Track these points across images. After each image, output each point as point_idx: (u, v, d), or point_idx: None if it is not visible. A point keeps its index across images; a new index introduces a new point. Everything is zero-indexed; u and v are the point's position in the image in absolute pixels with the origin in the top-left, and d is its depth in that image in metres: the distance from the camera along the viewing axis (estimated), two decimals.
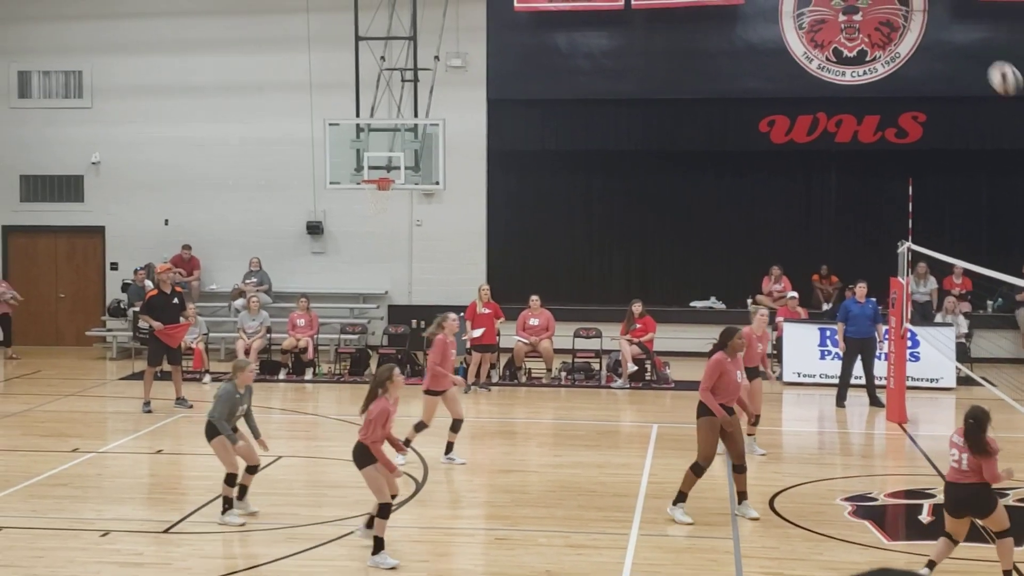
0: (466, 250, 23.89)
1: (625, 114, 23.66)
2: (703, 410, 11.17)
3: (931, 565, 9.18)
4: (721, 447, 11.62)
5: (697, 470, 11.15)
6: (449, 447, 13.75)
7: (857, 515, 11.38)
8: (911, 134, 22.62)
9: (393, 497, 9.89)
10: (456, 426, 13.65)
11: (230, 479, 11.02)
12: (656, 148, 23.69)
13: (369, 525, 10.09)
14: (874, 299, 17.70)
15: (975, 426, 8.75)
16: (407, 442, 13.16)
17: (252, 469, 11.38)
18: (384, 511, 9.74)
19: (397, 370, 10.28)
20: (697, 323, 21.74)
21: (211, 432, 11.19)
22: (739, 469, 11.29)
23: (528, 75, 23.48)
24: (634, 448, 14.71)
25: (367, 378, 20.15)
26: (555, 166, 23.99)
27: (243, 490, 11.29)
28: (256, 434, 11.44)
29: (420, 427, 13.53)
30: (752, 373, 13.71)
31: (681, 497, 11.19)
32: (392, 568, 9.52)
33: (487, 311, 19.51)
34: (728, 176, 23.87)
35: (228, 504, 11.03)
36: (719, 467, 13.17)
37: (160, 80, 24.41)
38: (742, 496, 11.35)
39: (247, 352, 20.16)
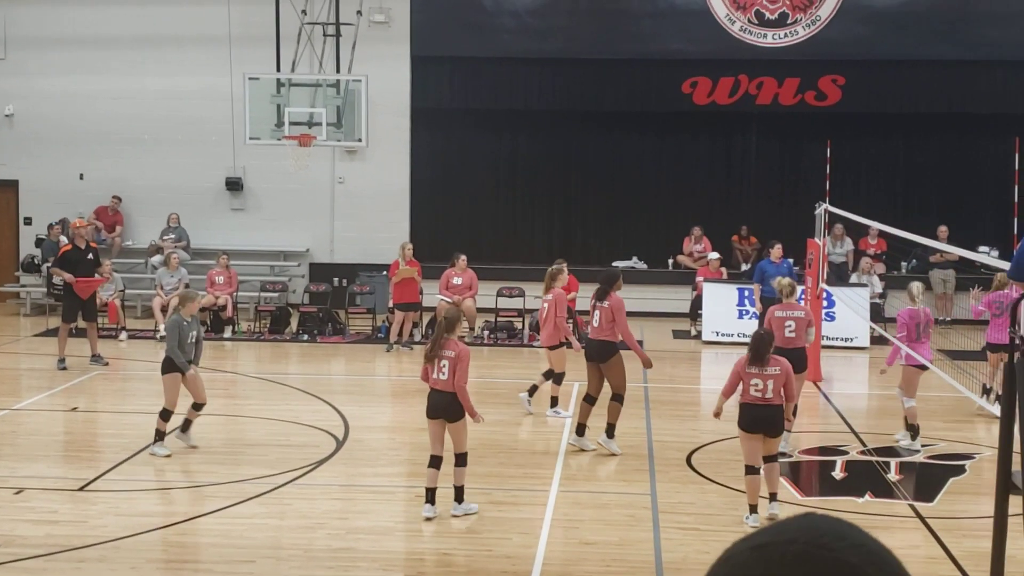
0: (389, 208, 23.75)
1: (549, 73, 23.62)
2: (613, 348, 12.05)
3: (754, 509, 9.83)
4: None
5: (619, 399, 12.04)
6: (554, 401, 14.03)
7: None
8: (830, 97, 22.88)
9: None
10: (557, 378, 13.91)
11: (165, 414, 11.67)
12: (580, 108, 23.70)
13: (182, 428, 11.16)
14: (790, 260, 17.95)
15: (766, 343, 9.85)
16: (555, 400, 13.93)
17: (198, 406, 11.96)
18: (464, 460, 9.85)
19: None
20: None
21: (165, 367, 11.79)
22: (619, 399, 12.10)
23: (452, 32, 23.31)
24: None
25: (287, 336, 20.03)
26: (479, 125, 23.90)
27: (187, 423, 11.98)
28: (195, 362, 12.04)
29: (555, 377, 13.88)
30: None
31: (611, 428, 12.02)
32: (475, 513, 9.92)
33: (410, 269, 19.38)
34: (650, 137, 23.97)
35: (160, 436, 11.69)
36: (639, 423, 13.33)
37: (75, 31, 23.84)
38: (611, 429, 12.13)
39: (164, 310, 19.88)
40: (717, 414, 10.41)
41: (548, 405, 13.94)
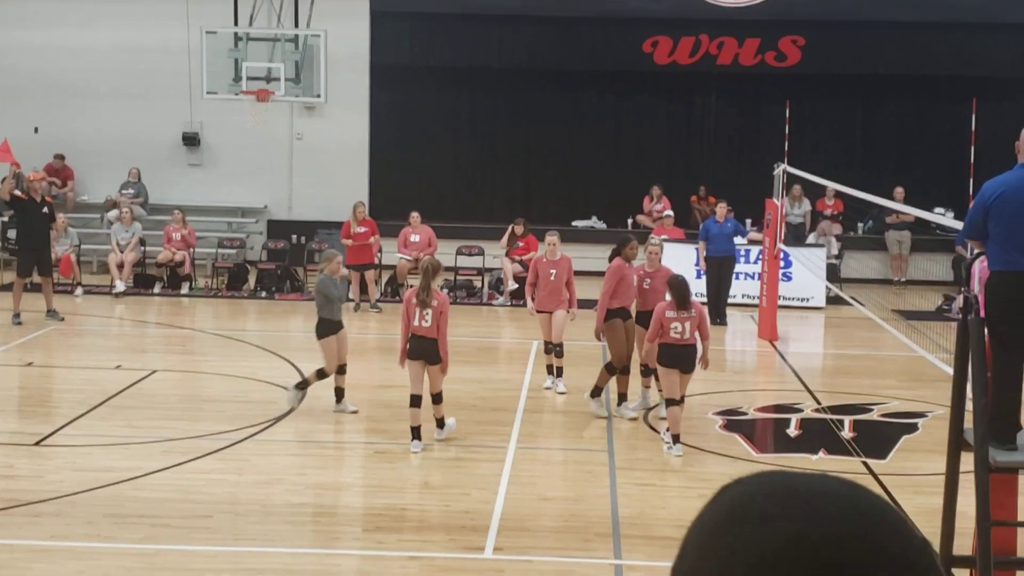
0: (348, 165, 23.60)
1: (510, 31, 23.50)
2: (606, 316, 11.70)
3: (677, 439, 10.62)
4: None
5: (610, 369, 11.79)
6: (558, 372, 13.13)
7: (728, 428, 11.71)
8: (790, 58, 22.93)
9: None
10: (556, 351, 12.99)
11: (321, 373, 11.71)
12: (540, 66, 23.61)
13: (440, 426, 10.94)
14: (732, 218, 18.03)
15: (688, 287, 10.72)
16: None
17: (341, 369, 11.86)
18: (440, 397, 10.77)
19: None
20: (579, 242, 21.83)
21: (321, 331, 11.72)
22: (620, 371, 11.82)
23: None
24: (514, 364, 14.86)
25: (245, 293, 19.93)
26: (439, 82, 23.75)
27: (340, 392, 11.87)
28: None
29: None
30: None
31: (596, 391, 11.88)
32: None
33: (362, 229, 19.18)
34: (611, 96, 23.93)
35: (304, 385, 11.82)
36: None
37: None
38: (622, 397, 11.94)
39: (120, 266, 19.72)
40: (646, 363, 11.50)
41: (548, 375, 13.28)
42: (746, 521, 1.17)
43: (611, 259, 12.08)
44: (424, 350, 10.52)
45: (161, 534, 8.42)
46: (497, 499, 9.31)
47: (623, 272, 11.86)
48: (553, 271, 12.99)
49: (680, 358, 10.70)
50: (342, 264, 12.78)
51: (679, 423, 10.72)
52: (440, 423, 10.88)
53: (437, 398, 10.76)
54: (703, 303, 18.12)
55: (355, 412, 11.86)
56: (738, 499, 1.20)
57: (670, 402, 10.72)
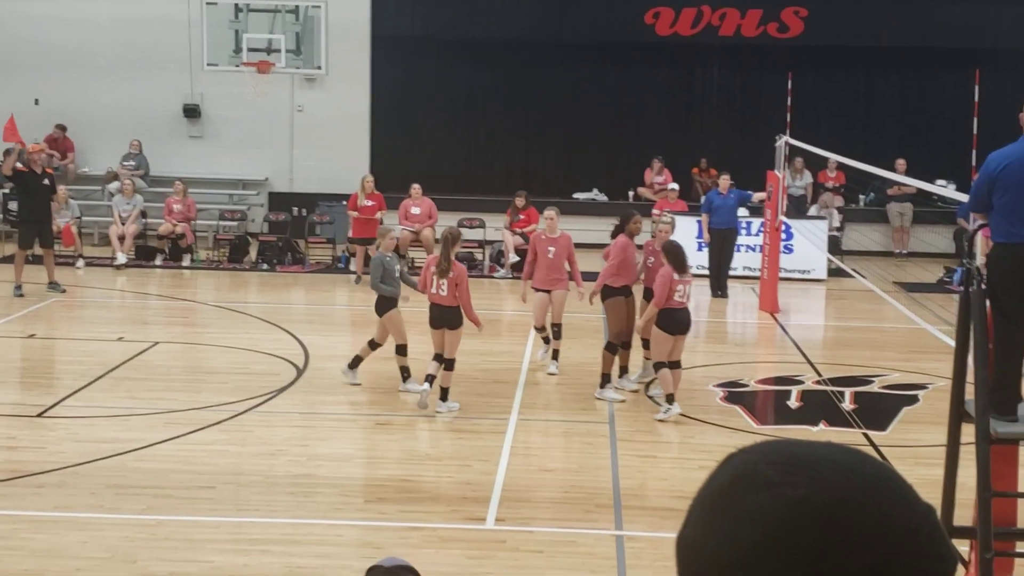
0: (349, 137, 23.54)
1: (512, 2, 23.40)
2: (608, 292, 11.59)
3: (670, 399, 10.80)
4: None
5: (611, 348, 11.63)
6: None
7: (728, 400, 11.73)
8: (792, 29, 22.84)
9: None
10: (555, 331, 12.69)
11: (401, 349, 11.58)
12: (542, 38, 23.51)
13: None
14: (736, 190, 17.99)
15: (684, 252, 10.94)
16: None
17: (375, 346, 11.77)
18: (452, 365, 11.02)
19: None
20: (580, 215, 21.82)
21: (380, 307, 11.61)
22: (611, 349, 11.66)
23: None
24: (515, 336, 14.86)
25: (246, 265, 19.93)
26: (440, 53, 23.66)
27: (357, 360, 11.80)
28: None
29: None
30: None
31: (605, 379, 11.62)
32: (456, 411, 10.88)
33: (370, 203, 19.10)
34: (612, 67, 23.85)
35: (407, 373, 11.62)
36: (596, 354, 13.41)
37: None
38: (623, 370, 11.90)
39: (122, 238, 19.72)
40: (644, 335, 11.53)
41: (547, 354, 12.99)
42: (749, 488, 1.17)
43: (614, 235, 11.92)
44: (442, 317, 10.93)
45: (163, 505, 8.45)
46: (498, 470, 9.34)
47: (630, 250, 11.75)
48: (552, 248, 12.58)
49: (682, 322, 10.96)
50: (397, 239, 12.73)
51: (677, 384, 10.92)
52: (444, 395, 10.96)
53: (449, 364, 10.96)
54: (705, 275, 18.20)
55: (357, 384, 11.85)
56: (742, 467, 1.20)
57: (673, 365, 10.87)
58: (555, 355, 12.60)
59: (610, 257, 11.74)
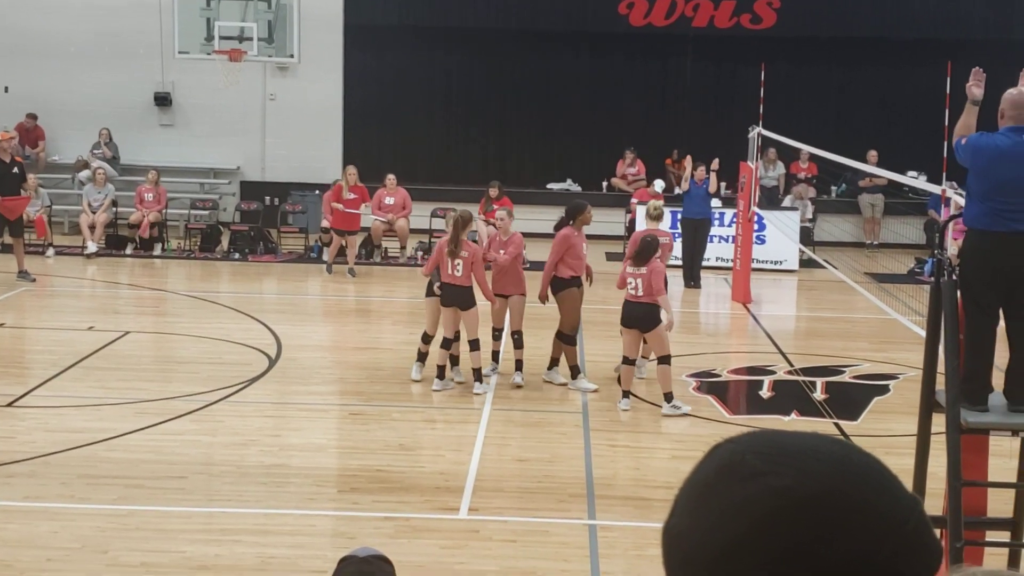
0: (321, 127, 23.44)
1: None
2: (559, 284, 11.48)
3: (626, 395, 10.86)
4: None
5: (564, 339, 11.53)
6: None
7: (701, 390, 11.76)
8: (765, 20, 22.90)
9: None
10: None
11: (446, 343, 11.38)
12: (516, 27, 23.48)
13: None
14: (708, 180, 17.98)
15: (652, 248, 10.66)
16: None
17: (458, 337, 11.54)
18: (478, 344, 11.18)
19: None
20: (553, 204, 21.82)
21: (429, 291, 11.61)
22: (569, 340, 11.58)
23: None
24: (489, 326, 14.80)
25: (218, 254, 19.81)
26: (414, 42, 23.58)
27: (455, 359, 11.67)
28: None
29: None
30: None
31: (575, 371, 11.58)
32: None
33: (353, 196, 18.75)
34: (586, 57, 23.84)
35: (441, 372, 11.40)
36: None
37: None
38: (553, 362, 11.76)
39: (92, 227, 19.56)
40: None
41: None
42: (735, 478, 1.17)
43: (559, 227, 11.64)
44: (455, 297, 11.10)
45: (135, 495, 8.40)
46: (472, 460, 9.34)
47: (571, 241, 11.47)
48: (502, 252, 11.71)
49: (628, 315, 10.75)
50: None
51: (630, 381, 10.95)
52: (478, 375, 11.24)
53: (474, 344, 11.14)
54: (678, 265, 18.21)
55: (463, 382, 11.54)
56: (728, 457, 1.20)
57: (625, 360, 10.86)
58: (518, 365, 11.65)
59: (551, 252, 11.55)
